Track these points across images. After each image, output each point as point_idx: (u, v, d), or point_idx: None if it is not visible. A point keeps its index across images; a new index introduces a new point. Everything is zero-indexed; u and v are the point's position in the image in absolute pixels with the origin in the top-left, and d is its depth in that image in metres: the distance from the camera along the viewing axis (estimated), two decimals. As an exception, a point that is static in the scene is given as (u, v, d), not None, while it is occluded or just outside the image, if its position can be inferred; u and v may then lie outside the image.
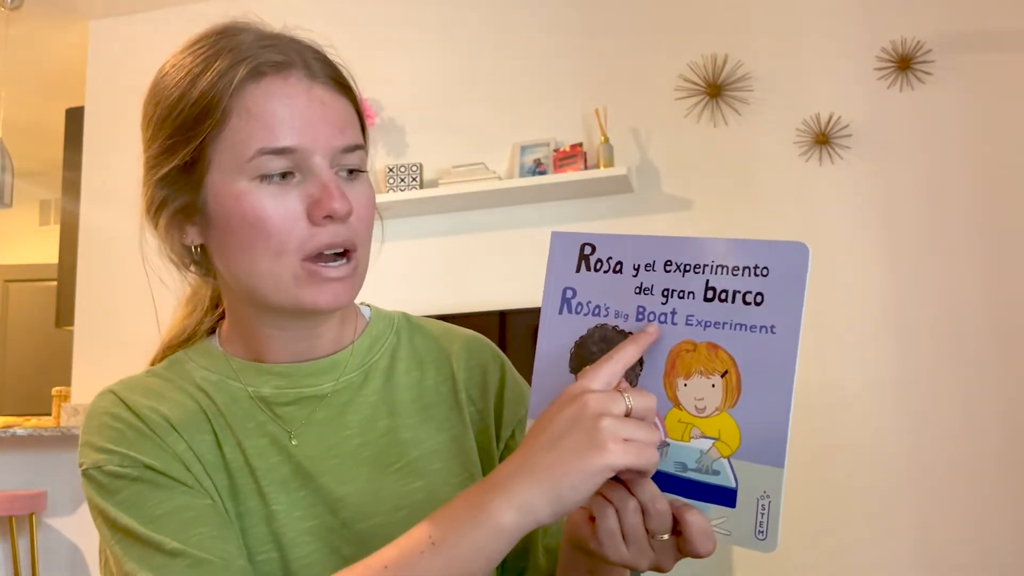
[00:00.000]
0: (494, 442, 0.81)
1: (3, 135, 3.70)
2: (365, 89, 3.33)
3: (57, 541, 3.33)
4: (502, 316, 2.76)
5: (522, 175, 2.98)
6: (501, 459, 0.80)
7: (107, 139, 3.59)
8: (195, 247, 0.74)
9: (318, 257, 0.70)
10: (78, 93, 3.91)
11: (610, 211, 2.96)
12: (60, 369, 4.04)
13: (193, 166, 0.70)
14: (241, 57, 0.69)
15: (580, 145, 2.92)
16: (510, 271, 3.01)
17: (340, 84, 0.73)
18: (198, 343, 0.81)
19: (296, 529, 0.74)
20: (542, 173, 2.94)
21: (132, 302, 3.47)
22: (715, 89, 2.90)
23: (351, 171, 0.72)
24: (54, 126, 4.53)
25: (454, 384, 0.81)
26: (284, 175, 0.69)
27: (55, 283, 4.29)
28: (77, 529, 3.34)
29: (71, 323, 3.66)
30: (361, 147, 0.73)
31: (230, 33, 0.72)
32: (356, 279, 0.73)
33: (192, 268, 0.77)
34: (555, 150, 2.95)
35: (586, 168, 2.90)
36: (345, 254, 0.71)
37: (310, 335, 0.76)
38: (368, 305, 0.86)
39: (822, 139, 2.78)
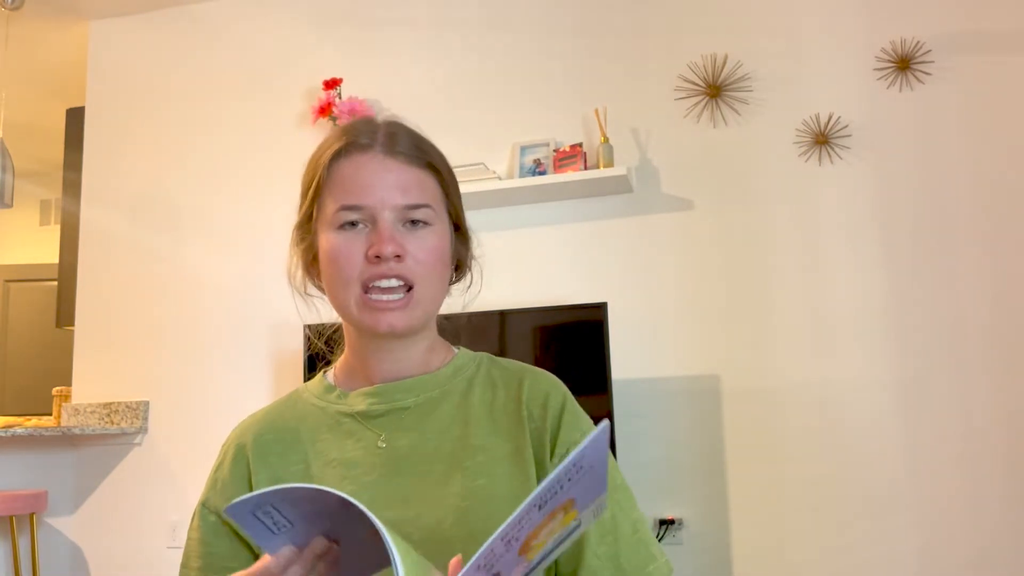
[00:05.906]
0: (548, 456, 0.92)
1: (3, 135, 3.70)
2: (364, 90, 3.32)
3: (57, 541, 3.34)
4: (502, 316, 2.76)
5: (522, 175, 2.98)
6: None
7: (107, 139, 3.59)
8: (319, 286, 0.97)
9: (374, 288, 0.89)
10: (78, 93, 3.92)
11: (610, 211, 2.96)
12: (60, 369, 4.04)
13: (310, 219, 0.94)
14: (340, 137, 0.93)
15: (580, 145, 2.91)
16: (510, 271, 3.01)
17: (413, 157, 0.93)
18: (315, 377, 1.03)
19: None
20: (542, 173, 2.94)
21: (132, 302, 3.47)
22: (715, 89, 2.90)
23: (414, 222, 0.90)
24: (54, 126, 4.53)
25: (519, 404, 0.95)
26: (355, 223, 0.89)
27: (55, 283, 4.29)
28: (77, 529, 3.34)
29: (71, 323, 3.66)
30: (424, 205, 0.91)
31: (352, 121, 0.96)
32: (411, 310, 0.90)
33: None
34: (555, 150, 2.95)
35: (586, 168, 2.90)
36: (405, 288, 0.89)
37: (398, 356, 0.95)
38: (459, 347, 1.05)
39: (822, 139, 2.78)
